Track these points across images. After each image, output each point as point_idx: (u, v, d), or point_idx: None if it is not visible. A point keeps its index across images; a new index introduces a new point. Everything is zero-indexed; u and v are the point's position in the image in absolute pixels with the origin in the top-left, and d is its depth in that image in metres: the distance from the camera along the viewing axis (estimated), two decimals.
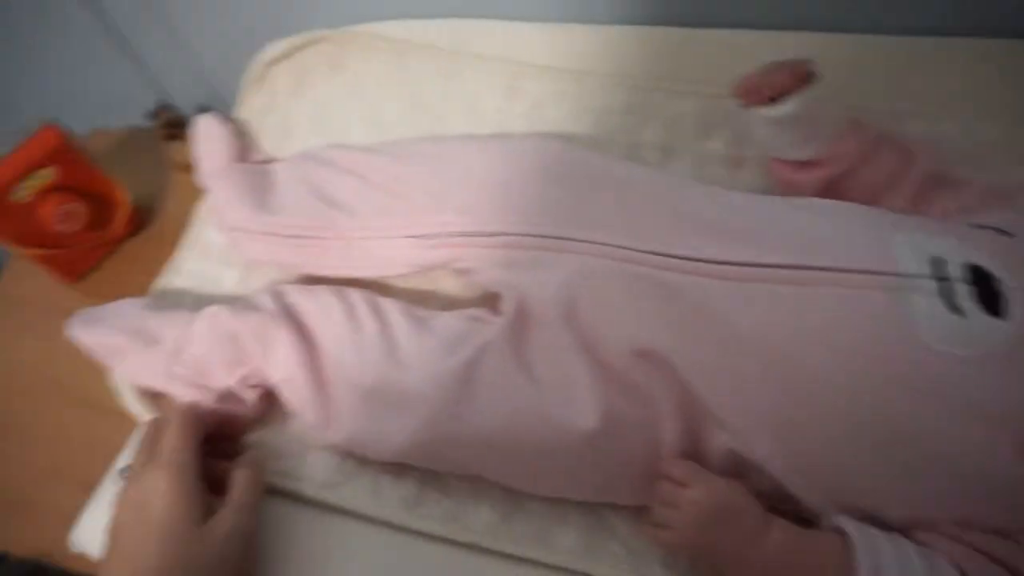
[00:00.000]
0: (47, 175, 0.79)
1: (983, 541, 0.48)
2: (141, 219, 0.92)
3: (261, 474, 0.59)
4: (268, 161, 0.80)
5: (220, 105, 1.09)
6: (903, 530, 0.51)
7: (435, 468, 0.62)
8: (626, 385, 0.55)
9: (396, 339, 0.61)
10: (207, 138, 0.79)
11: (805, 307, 0.50)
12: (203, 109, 1.08)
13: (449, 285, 0.73)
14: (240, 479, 0.57)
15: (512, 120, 0.80)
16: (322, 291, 0.66)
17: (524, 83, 0.81)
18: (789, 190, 0.69)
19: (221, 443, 0.62)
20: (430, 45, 0.84)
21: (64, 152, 0.79)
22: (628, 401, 0.54)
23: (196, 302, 0.71)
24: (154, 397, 0.66)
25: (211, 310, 0.64)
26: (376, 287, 0.73)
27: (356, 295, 0.65)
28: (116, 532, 0.54)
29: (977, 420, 0.47)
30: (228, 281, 0.76)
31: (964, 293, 0.49)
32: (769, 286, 0.52)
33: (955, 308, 0.48)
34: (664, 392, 0.53)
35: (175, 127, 0.96)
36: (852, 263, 0.51)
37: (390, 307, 0.64)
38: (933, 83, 0.74)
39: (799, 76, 0.61)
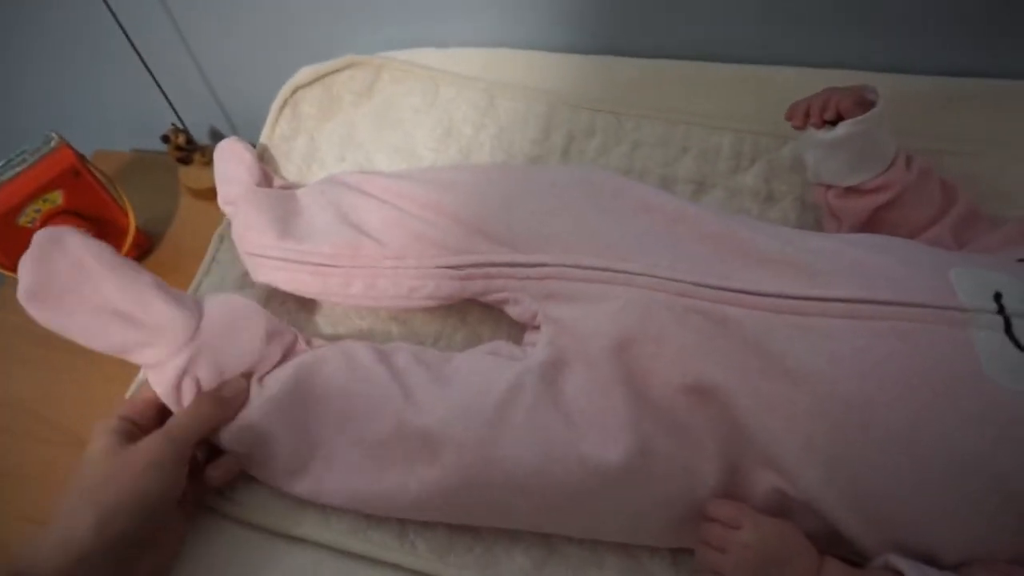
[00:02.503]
0: (55, 198, 0.79)
1: None
2: (147, 243, 0.92)
3: (205, 406, 0.59)
4: (293, 186, 0.80)
5: (232, 130, 1.11)
6: (956, 568, 0.51)
7: (452, 520, 0.61)
8: (668, 422, 0.55)
9: (411, 386, 0.60)
10: (230, 160, 0.79)
11: (866, 341, 0.51)
12: (215, 133, 1.10)
13: (473, 316, 0.73)
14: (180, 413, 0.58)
15: (545, 153, 0.82)
16: (326, 347, 0.65)
17: (558, 114, 0.83)
18: (832, 219, 0.71)
19: None
20: (463, 74, 0.86)
21: (74, 175, 0.80)
22: (668, 439, 0.54)
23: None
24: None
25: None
26: (399, 317, 0.74)
27: (361, 347, 0.64)
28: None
29: None
30: None
31: None
32: (828, 320, 0.52)
33: (1018, 344, 0.49)
34: (709, 430, 0.54)
35: (187, 150, 0.96)
36: (913, 297, 0.52)
37: (402, 355, 0.63)
38: (969, 123, 0.76)
39: (859, 101, 0.63)
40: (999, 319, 0.50)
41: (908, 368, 0.50)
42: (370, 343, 0.65)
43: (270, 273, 0.71)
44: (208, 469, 0.61)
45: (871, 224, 0.67)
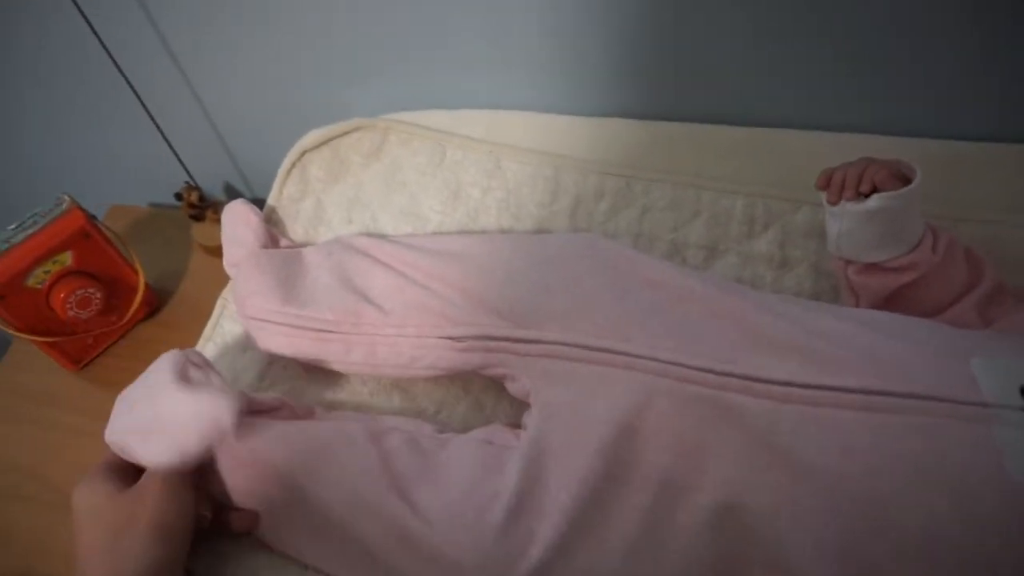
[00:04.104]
0: (64, 259, 0.80)
1: None
2: (156, 301, 0.92)
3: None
4: (299, 246, 0.80)
5: (247, 188, 1.11)
6: None
7: None
8: (656, 524, 0.52)
9: (401, 481, 0.57)
10: (236, 222, 0.79)
11: (881, 437, 0.48)
12: (230, 190, 1.11)
13: (476, 385, 0.71)
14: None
15: (553, 216, 0.81)
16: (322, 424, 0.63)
17: (565, 177, 0.81)
18: (850, 294, 0.68)
19: None
20: (471, 136, 0.86)
21: (84, 237, 0.80)
22: (651, 541, 0.51)
23: None
24: None
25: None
26: (401, 385, 0.73)
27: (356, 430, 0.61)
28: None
29: None
30: (246, 377, 0.74)
31: None
32: (840, 412, 0.50)
33: None
34: (705, 536, 0.51)
35: (200, 207, 0.97)
36: (931, 390, 0.49)
37: (395, 439, 0.61)
38: (990, 190, 0.74)
39: (896, 175, 0.60)
40: (1022, 415, 0.47)
41: (923, 467, 0.47)
42: (365, 420, 0.63)
43: (270, 338, 0.70)
44: (232, 515, 0.58)
45: (891, 301, 0.64)
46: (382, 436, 0.61)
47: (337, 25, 0.85)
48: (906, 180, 0.60)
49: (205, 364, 0.60)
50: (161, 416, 0.55)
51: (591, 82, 0.83)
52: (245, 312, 0.72)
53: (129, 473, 0.56)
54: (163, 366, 0.58)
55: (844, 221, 0.63)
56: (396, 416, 0.67)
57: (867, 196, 0.60)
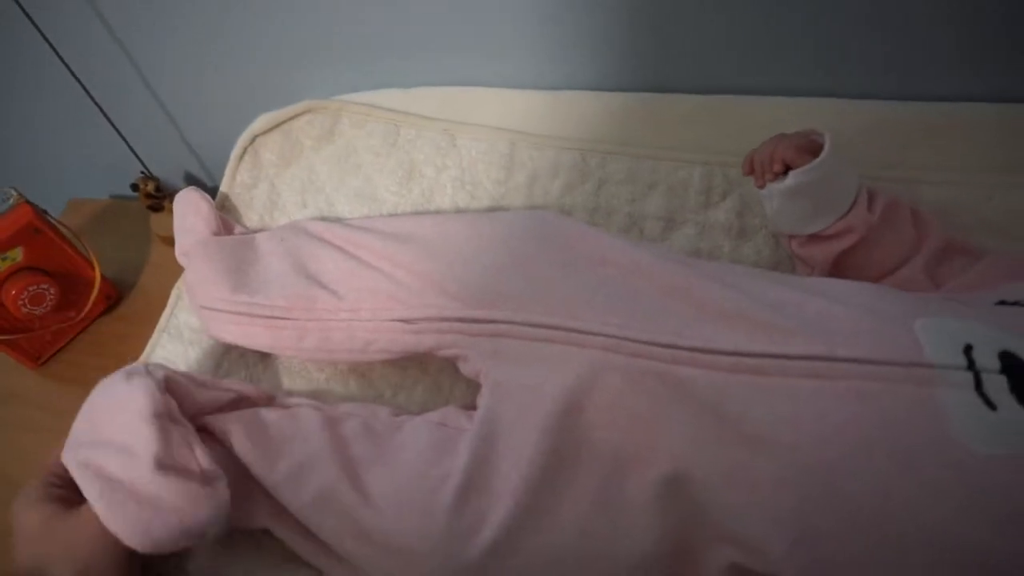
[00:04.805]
0: (15, 256, 0.79)
1: None
2: (116, 294, 0.91)
3: None
4: (249, 232, 0.79)
5: (207, 175, 1.10)
6: None
7: None
8: (607, 501, 0.51)
9: (355, 467, 0.56)
10: (186, 211, 0.78)
11: (828, 403, 0.48)
12: (190, 179, 1.09)
13: (434, 366, 0.71)
14: None
15: (509, 192, 0.80)
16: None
17: (521, 153, 0.80)
18: (801, 265, 0.68)
19: None
20: (425, 114, 0.84)
21: (33, 232, 0.79)
22: (603, 518, 0.51)
23: None
24: None
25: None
26: (358, 369, 0.72)
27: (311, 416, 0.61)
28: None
29: (1021, 527, 0.44)
30: (202, 367, 0.73)
31: (998, 385, 0.46)
32: (788, 380, 0.49)
33: (989, 402, 0.46)
34: (657, 510, 0.50)
35: (157, 197, 0.95)
36: (876, 354, 0.48)
37: (350, 425, 0.60)
38: (948, 150, 0.72)
39: (805, 148, 0.60)
40: (969, 376, 0.47)
41: (869, 432, 0.47)
42: (321, 408, 0.63)
43: (222, 327, 0.69)
44: None
45: (839, 268, 0.64)
46: (337, 423, 0.61)
47: (290, 5, 0.83)
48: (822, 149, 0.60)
49: (181, 417, 0.55)
50: (135, 485, 0.50)
51: (545, 55, 0.82)
52: (196, 301, 0.71)
53: (75, 490, 0.51)
54: (139, 404, 0.52)
55: (771, 202, 0.63)
56: (352, 402, 0.67)
57: (785, 174, 0.60)
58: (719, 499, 0.49)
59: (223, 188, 0.84)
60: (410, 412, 0.65)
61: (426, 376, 0.71)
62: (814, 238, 0.63)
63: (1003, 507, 0.44)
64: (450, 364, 0.69)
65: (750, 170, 0.64)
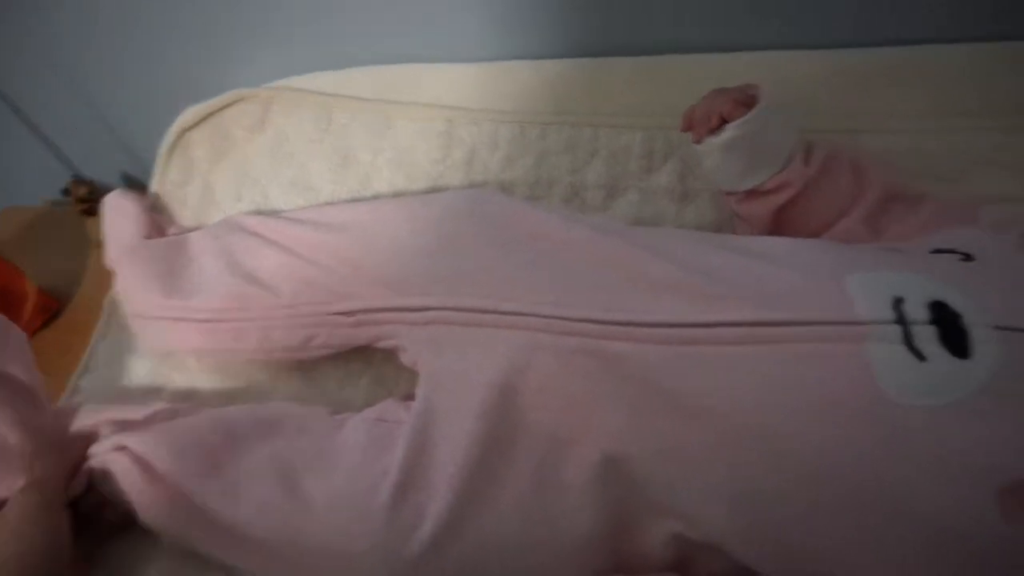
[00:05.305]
0: None
1: None
2: (55, 305, 0.88)
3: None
4: (183, 232, 0.77)
5: (145, 174, 1.07)
6: None
7: None
8: (546, 484, 0.51)
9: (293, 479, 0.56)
10: (114, 215, 0.76)
11: (759, 368, 0.47)
12: (127, 180, 1.07)
13: (378, 357, 0.69)
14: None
15: (448, 170, 0.78)
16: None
17: (458, 130, 0.78)
18: (742, 222, 0.67)
19: None
20: (358, 96, 0.82)
21: None
22: (543, 501, 0.50)
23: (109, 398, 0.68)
24: None
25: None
26: (301, 367, 0.71)
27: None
28: None
29: (953, 476, 0.44)
30: (139, 377, 0.72)
31: (927, 336, 0.46)
32: (721, 348, 0.48)
33: (919, 354, 0.45)
34: (594, 490, 0.50)
35: (93, 201, 0.93)
36: (808, 314, 0.48)
37: (284, 439, 0.59)
38: (886, 98, 0.72)
39: (741, 102, 0.59)
40: (897, 329, 0.46)
41: (804, 394, 0.46)
42: (256, 413, 0.62)
43: (157, 334, 0.68)
44: None
45: (779, 223, 0.63)
46: (274, 429, 0.60)
47: None
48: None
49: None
50: None
51: (478, 26, 0.80)
52: (129, 310, 0.69)
53: None
54: None
55: (708, 158, 0.62)
56: (292, 403, 0.65)
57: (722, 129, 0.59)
58: (657, 473, 0.49)
59: (154, 188, 0.82)
60: (355, 407, 0.64)
61: (370, 368, 0.70)
62: (752, 194, 0.62)
63: (932, 455, 0.44)
64: (394, 355, 0.68)
65: (688, 126, 0.62)
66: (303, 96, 0.82)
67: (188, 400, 0.71)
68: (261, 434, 0.59)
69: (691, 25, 0.76)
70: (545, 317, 0.53)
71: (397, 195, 0.78)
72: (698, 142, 0.62)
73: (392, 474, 0.52)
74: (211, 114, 0.82)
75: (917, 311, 0.47)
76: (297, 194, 0.80)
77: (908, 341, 0.46)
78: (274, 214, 0.75)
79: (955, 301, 0.47)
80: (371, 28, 0.81)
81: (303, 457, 0.57)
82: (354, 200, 0.78)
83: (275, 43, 0.85)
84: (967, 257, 0.53)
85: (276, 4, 0.82)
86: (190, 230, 0.78)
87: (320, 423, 0.61)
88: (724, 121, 0.59)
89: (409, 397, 0.62)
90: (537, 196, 0.75)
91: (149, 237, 0.75)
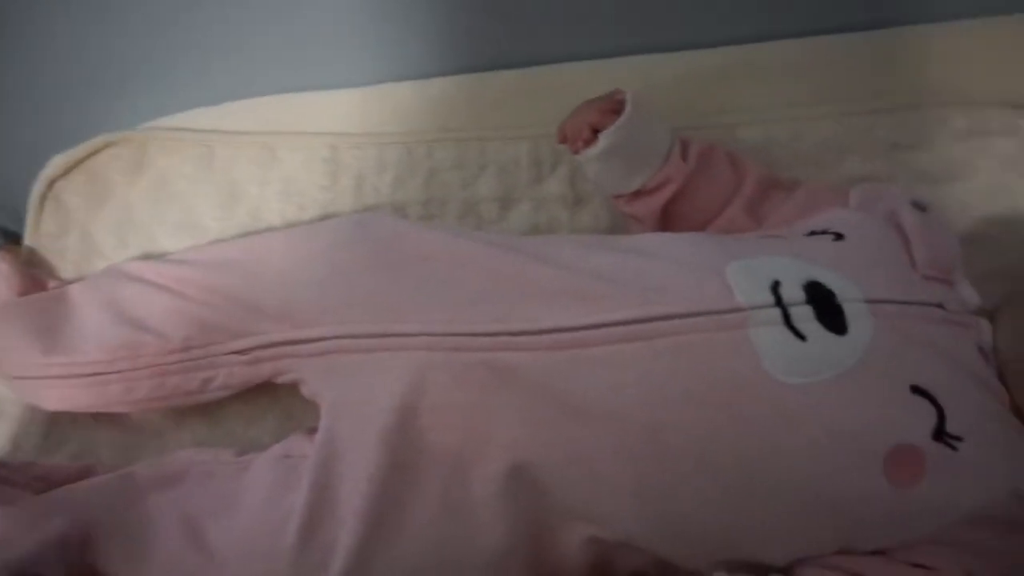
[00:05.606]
0: None
1: (865, 565, 0.48)
2: None
3: None
4: (64, 285, 0.73)
5: (20, 225, 1.02)
6: (788, 569, 0.50)
7: None
8: (454, 504, 0.50)
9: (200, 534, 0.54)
10: None
11: (648, 363, 0.48)
12: (6, 234, 1.01)
13: (284, 390, 0.67)
14: None
15: (339, 197, 0.77)
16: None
17: (344, 155, 0.78)
18: (633, 223, 0.68)
19: None
20: (238, 131, 0.80)
21: None
22: (453, 521, 0.50)
23: None
24: None
25: None
26: (206, 409, 0.68)
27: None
28: None
29: (842, 446, 0.47)
30: (29, 441, 0.68)
31: (805, 315, 0.48)
32: (609, 348, 0.49)
33: (799, 333, 0.47)
34: (501, 506, 0.49)
35: None
36: (690, 306, 0.49)
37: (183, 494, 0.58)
38: (760, 90, 0.75)
39: (609, 109, 0.61)
40: (777, 312, 0.48)
41: (690, 385, 0.48)
42: (156, 467, 0.59)
43: (41, 395, 0.65)
44: None
45: (667, 220, 0.65)
46: (177, 481, 0.58)
47: (70, 31, 0.77)
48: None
49: None
50: None
51: (353, 52, 0.79)
52: (6, 372, 0.65)
53: None
54: None
55: (589, 167, 0.64)
56: (197, 450, 0.63)
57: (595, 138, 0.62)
58: (561, 478, 0.49)
59: (27, 242, 0.78)
60: (264, 445, 0.62)
61: (277, 404, 0.68)
62: (637, 195, 0.64)
63: (820, 429, 0.46)
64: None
65: (563, 139, 0.64)
66: (180, 135, 0.80)
67: (86, 458, 0.67)
68: (164, 489, 0.57)
69: (565, 36, 0.78)
70: (438, 335, 0.52)
71: (289, 226, 0.76)
72: (576, 153, 0.63)
73: (297, 514, 0.51)
74: (81, 161, 0.79)
75: (793, 293, 0.49)
76: (186, 235, 0.77)
77: (788, 322, 0.48)
78: (156, 258, 0.72)
79: (828, 280, 0.50)
80: (245, 61, 0.80)
81: (208, 506, 0.56)
82: (243, 235, 0.76)
83: (147, 83, 0.82)
84: (839, 237, 0.56)
85: (148, 45, 0.79)
86: (71, 282, 0.75)
87: (225, 467, 0.60)
88: (596, 131, 0.60)
89: (315, 429, 0.60)
90: (431, 215, 0.75)
91: (25, 293, 0.71)
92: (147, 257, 0.76)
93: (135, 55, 0.80)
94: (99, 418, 0.68)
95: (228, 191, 0.78)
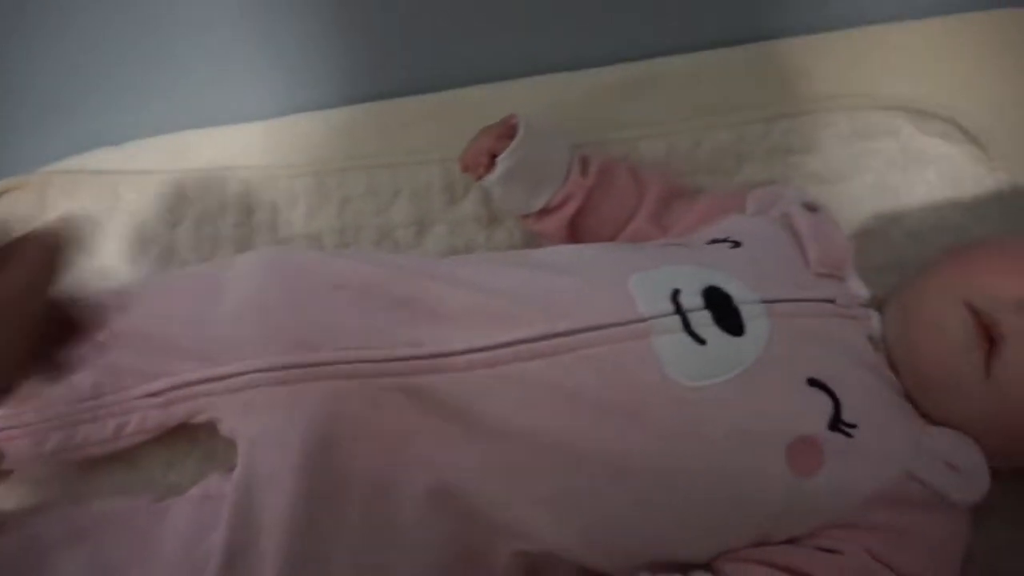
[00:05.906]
0: None
1: (777, 554, 0.50)
2: None
3: None
4: None
5: None
6: (708, 564, 0.51)
7: None
8: (379, 531, 0.50)
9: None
10: None
11: (556, 379, 0.50)
12: None
13: (204, 430, 0.66)
14: None
15: (253, 232, 0.77)
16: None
17: (255, 190, 0.77)
18: (543, 238, 0.70)
19: None
20: (147, 169, 0.79)
21: None
22: (380, 549, 0.50)
23: None
24: None
25: None
26: (123, 457, 0.66)
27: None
28: None
29: (746, 443, 0.49)
30: None
31: (704, 320, 0.50)
32: (518, 365, 0.50)
33: (698, 338, 0.49)
34: (426, 520, 0.50)
35: None
36: (594, 319, 0.51)
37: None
38: (659, 104, 0.78)
39: (504, 134, 0.63)
40: (676, 319, 0.50)
41: (599, 395, 0.49)
42: (64, 521, 0.58)
43: None
44: None
45: (575, 234, 0.67)
46: (89, 534, 0.56)
47: None
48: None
49: None
50: None
51: (257, 85, 0.79)
52: None
53: None
54: None
55: (492, 192, 0.66)
56: (112, 499, 0.61)
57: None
58: (483, 496, 0.50)
59: None
60: (184, 490, 0.61)
61: (197, 446, 0.66)
62: (543, 213, 0.66)
63: (725, 429, 0.48)
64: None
65: (465, 167, 0.66)
66: (81, 177, 0.78)
67: None
68: (75, 544, 0.55)
69: (469, 59, 0.80)
70: (352, 363, 0.53)
71: (203, 262, 0.75)
72: (479, 180, 0.66)
73: (216, 556, 0.50)
74: None
75: (692, 299, 0.51)
76: (94, 278, 0.75)
77: (688, 328, 0.50)
78: None
79: (726, 284, 0.52)
80: (147, 100, 0.79)
81: (125, 557, 0.54)
82: (154, 275, 0.74)
83: (46, 125, 0.81)
84: (736, 244, 0.58)
85: (48, 84, 0.78)
86: None
87: (142, 516, 0.58)
88: (494, 156, 0.62)
89: (235, 467, 0.59)
90: (346, 243, 0.75)
91: None
92: None
93: (31, 98, 0.78)
94: (5, 474, 0.65)
95: (137, 234, 0.76)
